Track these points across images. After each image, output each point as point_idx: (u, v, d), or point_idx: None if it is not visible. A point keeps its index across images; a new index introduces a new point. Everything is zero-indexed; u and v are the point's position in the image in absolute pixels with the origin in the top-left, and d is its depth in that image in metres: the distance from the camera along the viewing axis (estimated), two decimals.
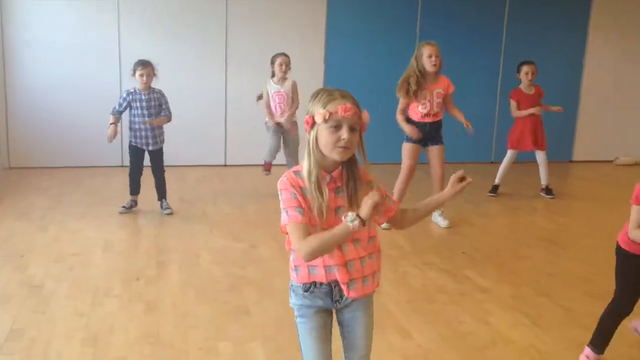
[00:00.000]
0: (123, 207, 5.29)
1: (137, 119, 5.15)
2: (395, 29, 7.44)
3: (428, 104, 4.89)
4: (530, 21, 7.81)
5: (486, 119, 7.85)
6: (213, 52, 7.18)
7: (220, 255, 4.39)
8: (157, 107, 5.21)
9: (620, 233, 2.78)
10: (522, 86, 6.13)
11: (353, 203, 1.90)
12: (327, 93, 1.88)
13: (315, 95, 1.91)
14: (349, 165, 1.92)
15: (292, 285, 2.03)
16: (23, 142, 6.87)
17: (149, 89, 5.16)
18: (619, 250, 2.75)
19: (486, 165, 7.79)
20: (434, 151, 5.05)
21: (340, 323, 2.07)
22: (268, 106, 5.85)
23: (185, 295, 3.66)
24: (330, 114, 1.83)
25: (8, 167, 6.87)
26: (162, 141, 5.31)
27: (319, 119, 1.85)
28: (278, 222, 1.98)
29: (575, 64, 8.12)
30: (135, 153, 5.26)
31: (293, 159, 5.83)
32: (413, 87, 4.84)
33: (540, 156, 6.22)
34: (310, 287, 1.97)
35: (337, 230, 1.81)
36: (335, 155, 1.86)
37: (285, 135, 5.86)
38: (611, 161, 8.28)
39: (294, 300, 2.03)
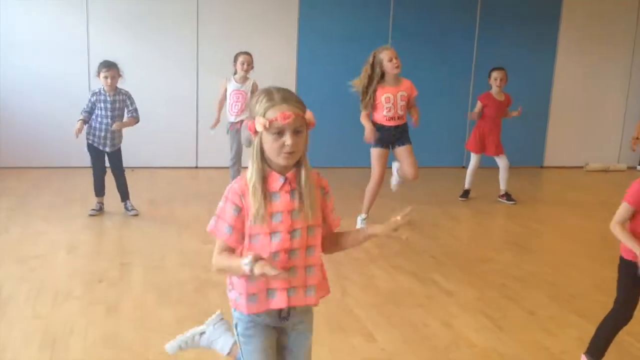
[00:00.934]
0: (92, 209, 5.21)
1: (99, 119, 5.06)
2: (367, 33, 7.44)
3: (392, 107, 4.86)
4: (502, 27, 7.88)
5: (457, 124, 7.89)
6: (184, 53, 7.13)
7: (187, 257, 4.34)
8: (121, 109, 5.12)
9: (621, 244, 2.72)
10: (492, 92, 6.17)
11: (305, 206, 1.86)
12: (267, 98, 1.82)
13: (257, 97, 1.86)
14: (299, 167, 1.88)
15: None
16: None
17: (114, 90, 5.07)
18: (620, 259, 2.72)
19: (457, 169, 7.84)
20: (402, 151, 4.99)
21: (283, 347, 2.02)
22: (220, 102, 5.84)
23: (148, 298, 3.60)
24: (271, 121, 1.78)
25: None
26: (120, 142, 5.22)
27: (259, 128, 1.81)
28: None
29: (545, 71, 8.22)
30: (95, 154, 5.18)
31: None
32: (369, 95, 4.83)
33: (500, 161, 6.21)
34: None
35: (235, 264, 1.80)
36: (281, 161, 1.83)
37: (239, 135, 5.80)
38: (581, 167, 8.38)
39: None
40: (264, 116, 1.80)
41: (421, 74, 7.55)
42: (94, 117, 5.07)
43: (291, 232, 1.87)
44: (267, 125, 1.79)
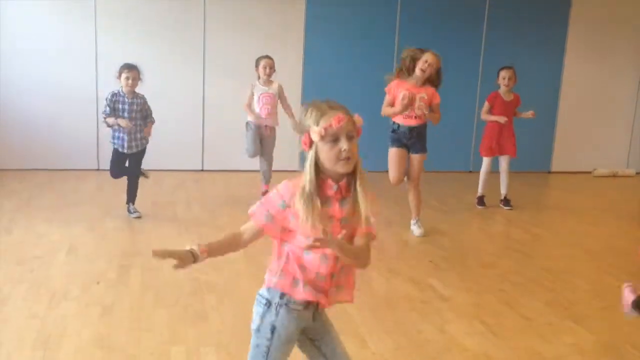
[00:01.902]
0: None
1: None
2: (374, 35, 7.46)
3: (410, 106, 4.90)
4: (510, 29, 7.84)
5: (464, 128, 7.87)
6: (191, 56, 7.17)
7: None
8: (138, 112, 5.15)
9: None
10: (500, 91, 6.10)
11: (353, 213, 1.89)
12: (316, 108, 1.86)
13: (305, 112, 1.89)
14: (354, 175, 1.90)
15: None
16: None
17: (133, 93, 5.09)
18: None
19: (464, 174, 7.82)
20: (414, 159, 5.06)
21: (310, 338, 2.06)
22: (249, 106, 5.87)
23: (145, 300, 3.62)
24: (326, 129, 1.82)
25: None
26: (142, 145, 5.26)
27: (315, 137, 1.83)
28: None
29: (554, 74, 8.17)
30: (116, 157, 5.23)
31: (267, 159, 5.93)
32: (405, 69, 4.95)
33: (502, 163, 6.11)
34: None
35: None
36: (339, 169, 1.85)
37: (263, 138, 5.89)
38: (589, 172, 8.32)
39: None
40: (317, 125, 1.83)
41: None
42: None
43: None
44: (323, 133, 1.81)
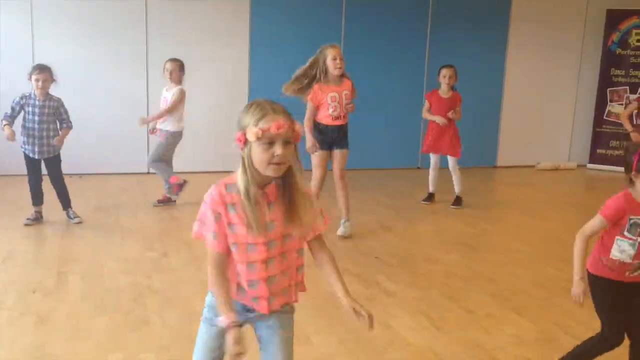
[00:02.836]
0: (27, 219, 5.07)
1: (27, 125, 4.91)
2: (319, 34, 7.41)
3: (338, 106, 4.84)
4: (453, 29, 7.94)
5: (410, 125, 7.93)
6: (134, 57, 7.01)
7: (129, 264, 4.25)
8: (51, 115, 4.96)
9: (589, 259, 2.54)
10: (440, 89, 6.17)
11: (290, 216, 1.89)
12: (259, 108, 1.82)
13: (247, 109, 1.85)
14: (285, 178, 1.88)
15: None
16: None
17: (45, 95, 4.92)
18: (589, 277, 2.51)
19: (411, 170, 7.88)
20: (338, 154, 4.98)
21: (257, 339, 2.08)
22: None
23: (83, 307, 3.51)
24: (263, 131, 1.78)
25: None
26: (56, 150, 5.04)
27: (251, 137, 1.79)
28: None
29: (496, 72, 8.32)
30: (28, 161, 5.02)
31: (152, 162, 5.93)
32: (305, 84, 4.81)
33: (450, 162, 6.12)
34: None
35: (219, 302, 1.87)
36: (269, 172, 1.83)
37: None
38: (533, 166, 8.50)
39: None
40: (256, 126, 1.79)
41: (373, 76, 7.62)
42: (23, 122, 4.93)
43: (267, 243, 1.90)
44: (260, 135, 1.78)
